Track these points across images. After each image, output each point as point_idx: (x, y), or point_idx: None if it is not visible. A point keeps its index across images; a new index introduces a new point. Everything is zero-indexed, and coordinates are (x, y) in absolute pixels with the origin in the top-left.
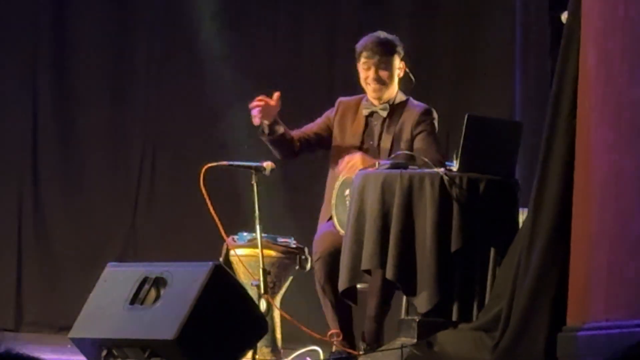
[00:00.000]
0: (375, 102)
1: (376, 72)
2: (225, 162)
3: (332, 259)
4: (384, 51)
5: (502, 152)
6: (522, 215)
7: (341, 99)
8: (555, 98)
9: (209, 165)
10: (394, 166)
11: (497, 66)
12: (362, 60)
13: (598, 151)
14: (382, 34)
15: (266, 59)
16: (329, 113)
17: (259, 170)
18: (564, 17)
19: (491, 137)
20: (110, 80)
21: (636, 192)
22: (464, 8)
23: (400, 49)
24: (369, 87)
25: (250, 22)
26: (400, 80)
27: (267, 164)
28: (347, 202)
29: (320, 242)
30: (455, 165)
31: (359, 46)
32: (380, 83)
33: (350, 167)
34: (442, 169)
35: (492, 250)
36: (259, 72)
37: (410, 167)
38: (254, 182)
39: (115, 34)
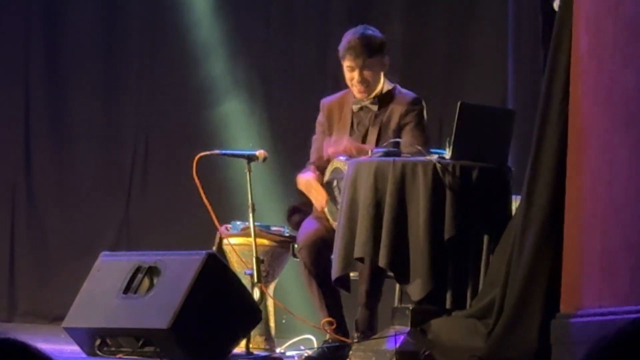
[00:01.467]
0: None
1: (360, 74)
2: (217, 151)
3: (315, 247)
4: (369, 52)
5: (495, 140)
6: (515, 203)
7: (324, 100)
8: (547, 85)
9: (202, 154)
10: (387, 154)
11: (489, 54)
12: (346, 62)
13: (590, 138)
14: (366, 32)
15: (259, 51)
16: (320, 120)
17: (251, 159)
18: (556, 4)
19: (484, 125)
20: (102, 70)
21: (629, 179)
22: None
23: (385, 45)
24: (354, 88)
25: (243, 14)
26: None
27: (260, 153)
28: (336, 193)
29: (303, 232)
30: (447, 153)
31: (341, 47)
32: (365, 85)
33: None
34: (435, 157)
35: (486, 238)
36: (252, 63)
37: (402, 155)
38: (246, 171)
39: (108, 24)
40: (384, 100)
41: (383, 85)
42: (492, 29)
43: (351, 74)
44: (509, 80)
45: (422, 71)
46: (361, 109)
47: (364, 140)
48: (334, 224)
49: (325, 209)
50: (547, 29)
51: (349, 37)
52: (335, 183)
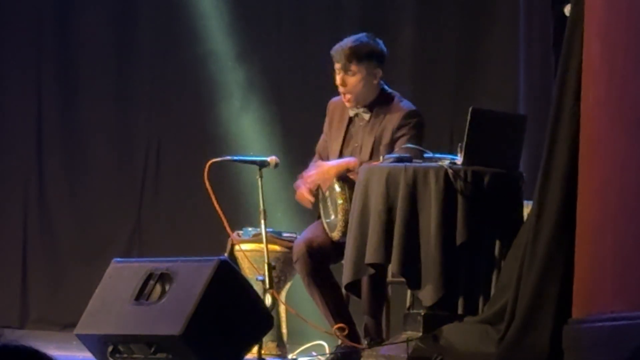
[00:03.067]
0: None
1: (342, 77)
2: (229, 157)
3: (310, 259)
4: (351, 57)
5: (507, 145)
6: (527, 208)
7: (332, 100)
8: (559, 90)
9: (214, 160)
10: (398, 160)
11: (501, 59)
12: (335, 65)
13: (602, 143)
14: (361, 39)
15: (271, 58)
16: (326, 120)
17: (263, 165)
18: (568, 9)
19: (495, 130)
20: (114, 76)
21: None
22: (468, 1)
23: (375, 54)
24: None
25: (255, 20)
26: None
27: (272, 159)
28: (329, 204)
29: (296, 244)
30: (459, 159)
31: (332, 50)
32: (344, 88)
33: (323, 175)
34: (446, 162)
35: (497, 243)
36: (264, 70)
37: (414, 160)
38: (258, 177)
39: (120, 29)
40: (379, 110)
41: (378, 95)
42: (504, 34)
43: (336, 77)
44: (521, 86)
45: (433, 77)
46: (356, 115)
47: (359, 151)
48: (332, 235)
49: (324, 221)
50: (559, 33)
51: (342, 41)
52: (327, 193)
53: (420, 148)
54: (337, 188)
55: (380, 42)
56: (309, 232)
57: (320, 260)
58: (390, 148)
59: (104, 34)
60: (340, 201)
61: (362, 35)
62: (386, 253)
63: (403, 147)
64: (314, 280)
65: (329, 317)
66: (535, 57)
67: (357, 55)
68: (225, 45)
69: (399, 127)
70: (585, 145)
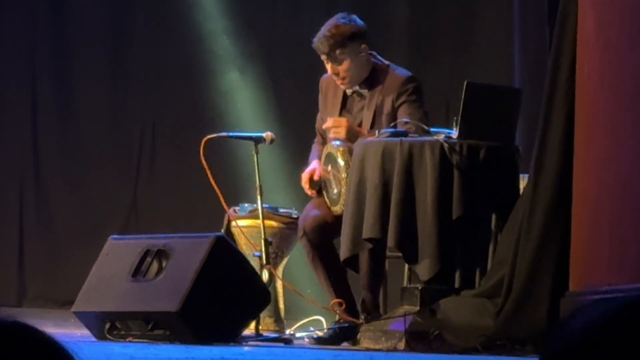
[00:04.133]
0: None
1: (332, 67)
2: (224, 134)
3: (316, 234)
4: (334, 45)
5: (502, 119)
6: (523, 182)
7: (323, 76)
8: (554, 64)
9: (209, 136)
10: (394, 134)
11: (496, 33)
12: (320, 55)
13: (597, 115)
14: (338, 22)
15: (265, 33)
16: (319, 98)
17: (259, 141)
18: None
19: (491, 104)
20: (109, 55)
21: (637, 156)
22: None
23: (355, 33)
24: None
25: None
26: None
27: (267, 135)
28: (331, 178)
29: (303, 218)
30: (455, 133)
31: (312, 43)
32: (337, 76)
33: (335, 127)
34: (442, 136)
35: (494, 217)
36: (258, 44)
37: (410, 135)
38: (254, 153)
39: (114, 11)
40: (375, 81)
41: (372, 68)
42: (498, 8)
43: (327, 66)
44: (515, 59)
45: (428, 51)
46: (353, 92)
47: (359, 124)
48: (333, 209)
49: (326, 195)
50: (553, 7)
51: (320, 31)
52: (329, 168)
53: (423, 125)
54: (341, 162)
55: (355, 17)
56: (313, 207)
57: (325, 235)
58: (393, 117)
59: (98, 16)
60: (344, 175)
61: (336, 18)
62: (383, 228)
63: (404, 121)
64: (318, 255)
65: (330, 292)
66: (530, 30)
67: (338, 41)
68: (219, 22)
69: (398, 95)
70: (580, 118)
